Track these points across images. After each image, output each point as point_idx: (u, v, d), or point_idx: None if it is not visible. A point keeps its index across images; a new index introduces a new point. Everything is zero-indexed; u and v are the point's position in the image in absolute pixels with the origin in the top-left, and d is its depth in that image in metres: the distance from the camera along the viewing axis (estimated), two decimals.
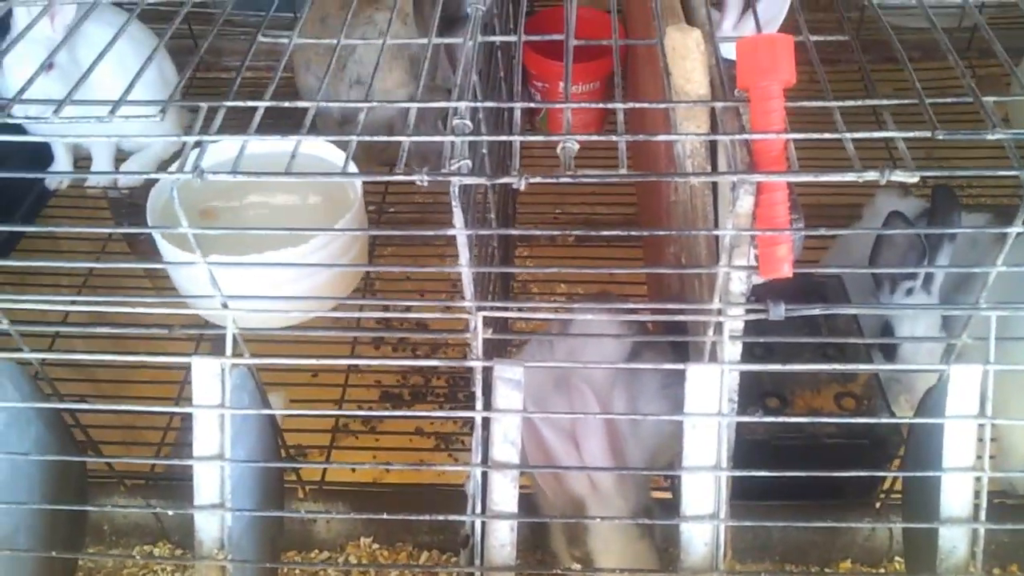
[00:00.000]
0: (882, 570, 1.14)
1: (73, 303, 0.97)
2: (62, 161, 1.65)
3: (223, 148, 1.26)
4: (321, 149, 1.50)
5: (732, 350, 0.88)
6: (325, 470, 1.29)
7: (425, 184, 0.79)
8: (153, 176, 0.82)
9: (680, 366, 0.88)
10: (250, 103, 0.87)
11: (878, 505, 1.13)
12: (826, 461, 1.05)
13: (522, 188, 0.79)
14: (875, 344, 1.22)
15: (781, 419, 1.00)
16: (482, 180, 0.80)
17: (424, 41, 0.96)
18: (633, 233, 0.80)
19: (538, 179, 0.78)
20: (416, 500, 1.23)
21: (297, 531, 1.21)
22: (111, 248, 1.66)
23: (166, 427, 1.42)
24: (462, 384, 1.57)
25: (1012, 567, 1.12)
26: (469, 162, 0.80)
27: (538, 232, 0.83)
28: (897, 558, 1.13)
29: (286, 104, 0.89)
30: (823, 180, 0.78)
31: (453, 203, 0.81)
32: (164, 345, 1.48)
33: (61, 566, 1.10)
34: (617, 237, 1.74)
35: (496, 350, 1.21)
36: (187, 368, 1.43)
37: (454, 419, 1.55)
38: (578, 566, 1.01)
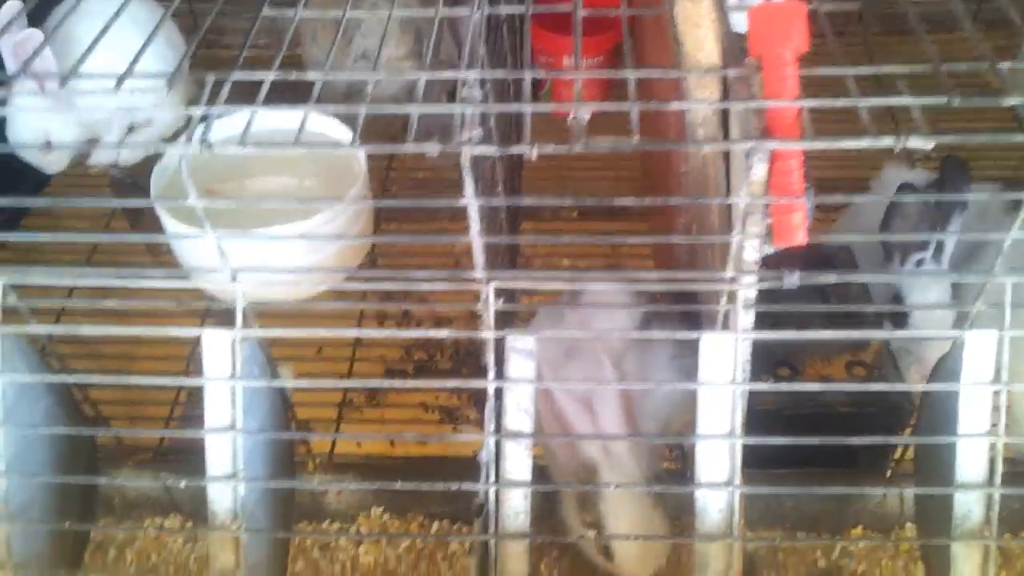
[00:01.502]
0: (893, 537, 1.14)
1: (80, 276, 0.97)
2: (68, 133, 1.63)
3: (225, 127, 1.25)
4: (323, 125, 1.49)
5: (746, 318, 0.88)
6: (334, 444, 1.29)
7: (436, 155, 0.79)
8: (159, 149, 0.82)
9: (694, 334, 0.88)
10: (258, 74, 0.86)
11: (889, 474, 1.14)
12: (837, 430, 1.05)
13: (534, 158, 0.79)
14: (886, 316, 1.22)
15: (796, 386, 1.00)
16: (493, 150, 0.79)
17: (431, 13, 0.95)
18: (647, 203, 0.80)
19: (550, 148, 0.78)
20: (425, 471, 1.23)
21: (307, 503, 1.22)
22: (114, 228, 1.65)
23: (172, 402, 1.42)
24: (466, 359, 1.57)
25: (1023, 533, 1.12)
26: (481, 132, 0.80)
27: (549, 202, 0.82)
28: (908, 524, 1.14)
29: (293, 75, 0.88)
30: (836, 148, 0.77)
31: (464, 174, 0.81)
32: (168, 322, 1.47)
33: (73, 538, 1.11)
34: (623, 212, 1.74)
35: (504, 322, 1.21)
36: (193, 345, 1.45)
37: (458, 395, 1.55)
38: (591, 532, 1.01)
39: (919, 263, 1.20)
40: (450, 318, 1.63)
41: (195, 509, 1.28)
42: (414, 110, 0.82)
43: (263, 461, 1.00)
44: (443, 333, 0.90)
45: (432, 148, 0.78)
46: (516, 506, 0.92)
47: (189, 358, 1.45)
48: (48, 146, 1.45)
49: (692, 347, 0.93)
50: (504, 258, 1.35)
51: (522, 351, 0.90)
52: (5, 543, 0.97)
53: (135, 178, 1.63)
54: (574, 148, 0.76)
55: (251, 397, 0.96)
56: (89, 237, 0.99)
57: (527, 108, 0.82)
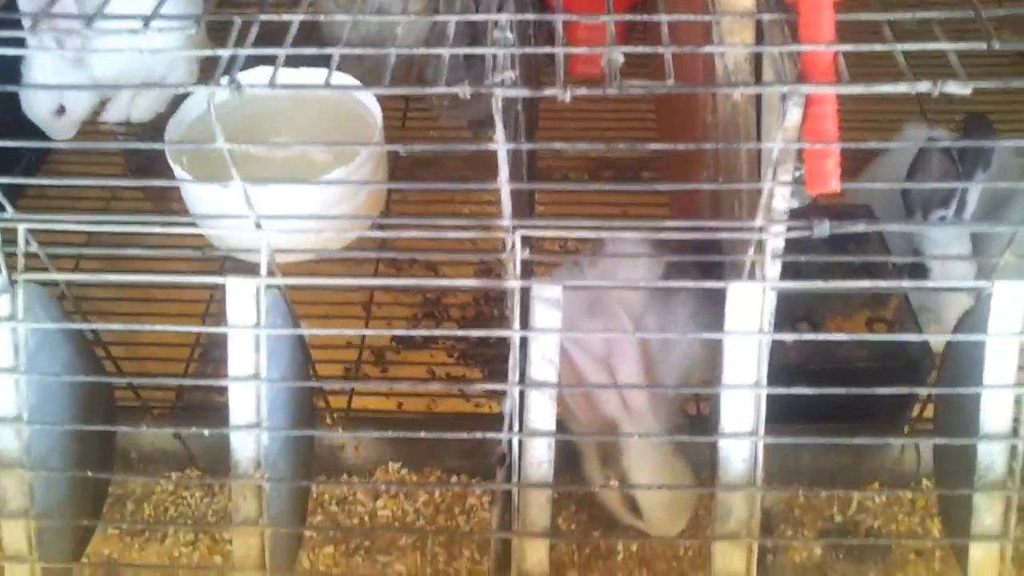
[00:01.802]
0: (910, 494, 1.15)
1: (98, 223, 0.97)
2: (83, 98, 1.62)
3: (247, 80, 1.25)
4: (339, 80, 1.49)
5: (773, 269, 0.87)
6: (351, 399, 1.29)
7: (467, 96, 0.78)
8: (187, 90, 0.81)
9: (721, 284, 0.88)
10: (285, 16, 0.85)
11: (907, 430, 1.14)
12: (858, 386, 1.05)
13: (567, 100, 0.78)
14: (907, 276, 1.21)
15: (822, 336, 1.00)
16: (526, 92, 0.79)
17: None
18: (680, 147, 0.79)
19: (583, 90, 0.77)
20: (441, 426, 1.23)
21: (325, 457, 1.22)
22: (121, 194, 1.63)
23: (188, 359, 1.42)
24: (471, 325, 1.57)
25: None
26: (513, 74, 0.79)
27: (581, 146, 0.81)
28: (925, 481, 1.14)
29: (322, 18, 0.87)
30: (871, 93, 0.76)
31: (495, 117, 0.80)
32: (183, 292, 1.47)
33: (93, 490, 1.11)
34: (635, 175, 1.74)
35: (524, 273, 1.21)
36: (207, 303, 1.45)
37: (465, 361, 1.56)
38: (615, 482, 1.02)
39: (941, 220, 1.20)
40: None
41: (211, 464, 1.28)
42: (444, 51, 0.81)
43: (284, 412, 1.00)
44: (468, 283, 0.90)
45: (463, 89, 0.77)
46: (540, 455, 0.92)
47: (204, 316, 1.46)
48: (62, 110, 1.44)
49: (712, 305, 0.92)
50: (526, 213, 1.35)
51: (548, 300, 0.89)
52: (28, 492, 0.97)
53: (144, 138, 1.62)
54: (608, 90, 0.75)
55: (274, 346, 0.96)
56: (108, 182, 0.97)
57: (559, 50, 0.81)
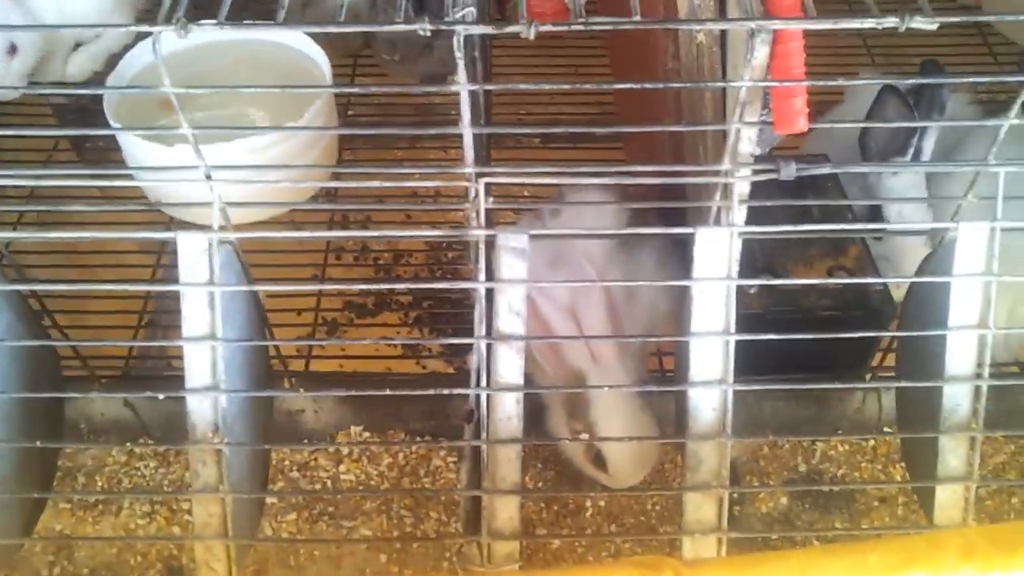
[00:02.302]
0: (872, 442, 1.16)
1: (40, 177, 0.92)
2: (33, 39, 1.54)
3: (193, 37, 1.20)
4: (284, 36, 1.45)
5: (740, 213, 0.86)
6: (308, 364, 1.26)
7: (427, 33, 0.75)
8: (134, 28, 0.77)
9: (688, 230, 0.87)
10: None
11: (869, 377, 1.15)
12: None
13: (532, 37, 0.75)
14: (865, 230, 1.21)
15: (788, 281, 0.99)
16: (488, 29, 0.76)
17: None
18: (648, 85, 0.77)
19: (549, 26, 0.75)
20: (404, 387, 1.21)
21: (284, 423, 1.19)
22: (57, 160, 1.55)
23: (136, 326, 1.37)
24: (423, 293, 1.55)
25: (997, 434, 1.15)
26: (474, 9, 0.76)
27: (548, 86, 0.79)
28: (887, 429, 1.15)
29: None
30: (839, 28, 0.75)
31: (457, 55, 0.77)
32: (126, 258, 1.41)
33: (40, 461, 1.06)
34: (589, 137, 1.72)
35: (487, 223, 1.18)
36: (154, 266, 1.39)
37: (420, 328, 1.53)
38: (584, 435, 1.01)
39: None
40: (413, 251, 1.61)
41: (165, 435, 1.24)
42: None
43: (241, 374, 0.97)
44: (432, 232, 0.87)
45: (424, 26, 0.74)
46: (508, 410, 0.90)
47: (150, 282, 1.40)
48: (14, 49, 1.38)
49: (676, 258, 0.91)
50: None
51: (514, 249, 0.87)
52: None
53: (81, 102, 1.55)
54: (573, 25, 0.73)
55: (228, 305, 0.92)
56: (52, 133, 0.92)
57: None
